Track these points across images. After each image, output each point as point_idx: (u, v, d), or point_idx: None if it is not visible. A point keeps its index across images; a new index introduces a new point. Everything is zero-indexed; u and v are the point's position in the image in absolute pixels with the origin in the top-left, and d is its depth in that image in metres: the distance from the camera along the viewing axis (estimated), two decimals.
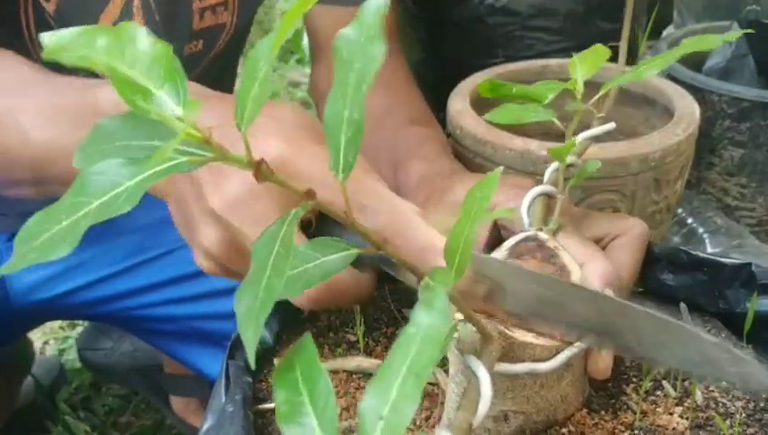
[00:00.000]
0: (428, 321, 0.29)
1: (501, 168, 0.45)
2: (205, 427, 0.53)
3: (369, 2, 0.32)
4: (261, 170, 0.31)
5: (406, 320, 0.67)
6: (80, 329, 1.60)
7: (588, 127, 0.64)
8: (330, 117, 0.33)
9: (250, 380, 0.57)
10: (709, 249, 1.05)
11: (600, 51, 0.58)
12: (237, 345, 0.59)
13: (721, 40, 0.52)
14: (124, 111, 0.67)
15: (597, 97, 0.61)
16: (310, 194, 0.32)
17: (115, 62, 0.29)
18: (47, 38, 0.29)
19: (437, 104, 0.96)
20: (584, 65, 0.58)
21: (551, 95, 0.59)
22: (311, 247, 0.38)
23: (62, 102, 0.66)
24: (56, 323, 1.64)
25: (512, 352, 0.52)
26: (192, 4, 0.88)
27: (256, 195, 0.55)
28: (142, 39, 0.31)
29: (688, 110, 0.89)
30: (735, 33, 0.53)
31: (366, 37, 0.31)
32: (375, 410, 0.26)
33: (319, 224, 0.59)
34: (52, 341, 1.61)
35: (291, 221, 0.32)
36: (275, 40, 0.31)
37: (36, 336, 1.59)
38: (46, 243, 0.28)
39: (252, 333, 0.30)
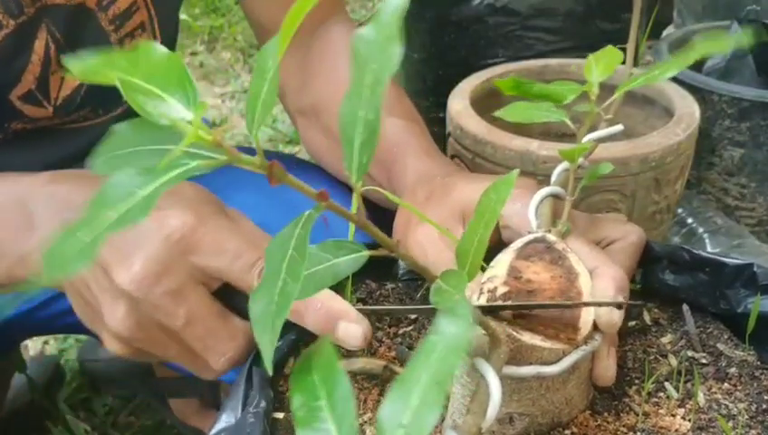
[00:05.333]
0: (452, 330, 0.29)
1: (517, 170, 0.44)
2: (219, 426, 0.52)
3: (387, 2, 0.31)
4: (274, 173, 0.30)
5: (408, 320, 0.67)
6: None
7: (593, 128, 0.64)
8: (345, 117, 0.33)
9: (272, 393, 0.56)
10: (709, 249, 1.05)
11: (613, 52, 0.58)
12: None
13: (733, 42, 0.51)
14: (19, 199, 0.62)
15: (611, 100, 0.61)
16: (323, 195, 0.32)
17: (128, 75, 0.30)
18: (71, 62, 0.30)
19: (437, 104, 0.96)
20: (600, 67, 0.57)
21: (570, 96, 0.59)
22: (321, 249, 0.38)
23: None
24: None
25: (518, 354, 0.52)
26: (108, 37, 0.86)
27: (167, 269, 0.55)
28: (156, 52, 0.31)
29: (688, 110, 0.89)
30: (747, 35, 0.53)
31: (384, 37, 0.30)
32: (395, 418, 0.26)
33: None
34: (51, 341, 1.60)
35: (305, 224, 0.32)
36: (281, 39, 0.30)
37: (37, 336, 1.59)
38: (71, 259, 0.28)
39: (268, 338, 0.29)
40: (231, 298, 0.58)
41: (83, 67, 0.29)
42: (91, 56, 0.30)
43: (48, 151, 0.89)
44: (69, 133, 0.90)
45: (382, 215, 0.82)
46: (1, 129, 0.83)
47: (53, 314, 0.97)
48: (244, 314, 0.58)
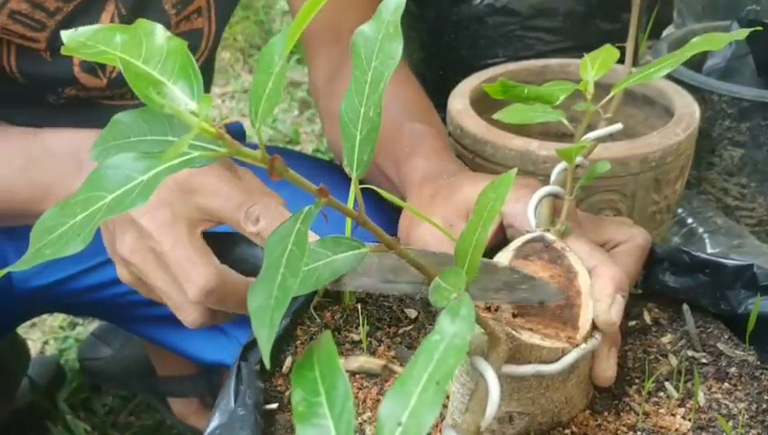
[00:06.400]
0: (453, 330, 0.29)
1: (515, 169, 0.44)
2: (212, 425, 0.53)
3: (386, 1, 0.31)
4: (275, 167, 0.30)
5: (408, 319, 0.67)
6: (80, 329, 1.59)
7: (593, 127, 0.64)
8: (345, 113, 0.33)
9: (262, 385, 0.57)
10: (709, 249, 1.05)
11: (610, 51, 0.58)
12: (251, 347, 0.59)
13: (728, 39, 0.51)
14: (72, 150, 0.71)
15: (607, 99, 0.61)
16: (322, 192, 0.32)
17: (131, 57, 0.29)
18: (67, 35, 0.29)
19: (437, 104, 0.96)
20: (595, 66, 0.57)
21: (562, 96, 0.59)
22: (321, 245, 0.38)
23: (11, 147, 0.75)
24: (56, 323, 1.63)
25: (518, 353, 0.52)
26: (169, 19, 0.90)
27: (167, 203, 0.64)
28: (158, 34, 0.31)
29: (688, 110, 0.89)
30: (742, 32, 0.52)
31: (384, 35, 0.30)
32: (394, 416, 0.25)
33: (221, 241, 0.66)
34: (51, 341, 1.60)
35: (304, 219, 0.32)
36: (290, 35, 0.30)
37: (36, 336, 1.59)
38: (61, 238, 0.28)
39: (266, 332, 0.29)
40: (226, 249, 0.66)
41: (79, 41, 0.29)
42: (87, 30, 0.30)
43: (94, 127, 0.93)
44: (115, 110, 0.92)
45: (394, 212, 0.82)
46: (54, 92, 0.89)
47: (78, 289, 1.02)
48: (232, 265, 0.65)
